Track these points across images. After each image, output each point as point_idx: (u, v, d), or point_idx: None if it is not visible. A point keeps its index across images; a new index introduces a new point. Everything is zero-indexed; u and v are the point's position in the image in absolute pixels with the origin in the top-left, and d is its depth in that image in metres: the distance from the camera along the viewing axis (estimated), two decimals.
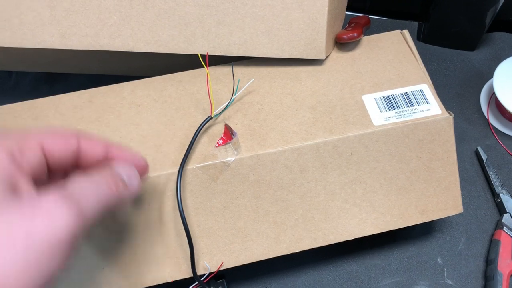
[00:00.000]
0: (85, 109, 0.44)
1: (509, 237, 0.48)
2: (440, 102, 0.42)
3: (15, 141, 0.26)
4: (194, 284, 0.41)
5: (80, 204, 0.25)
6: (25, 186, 0.25)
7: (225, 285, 0.45)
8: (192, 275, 0.40)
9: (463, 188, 0.52)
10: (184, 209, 0.40)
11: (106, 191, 0.28)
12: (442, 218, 0.51)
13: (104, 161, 0.31)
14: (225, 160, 0.40)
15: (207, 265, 0.41)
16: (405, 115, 0.42)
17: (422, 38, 0.62)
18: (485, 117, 0.57)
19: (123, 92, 0.45)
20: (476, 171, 0.54)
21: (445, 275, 0.48)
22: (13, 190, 0.24)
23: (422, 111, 0.42)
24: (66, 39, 0.45)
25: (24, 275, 0.22)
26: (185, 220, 0.38)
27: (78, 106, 0.45)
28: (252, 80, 0.44)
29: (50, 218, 0.23)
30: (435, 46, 0.62)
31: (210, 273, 0.41)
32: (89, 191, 0.27)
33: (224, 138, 0.41)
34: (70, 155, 0.29)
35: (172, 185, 0.39)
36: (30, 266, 0.22)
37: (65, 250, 0.24)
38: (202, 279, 0.41)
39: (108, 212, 0.28)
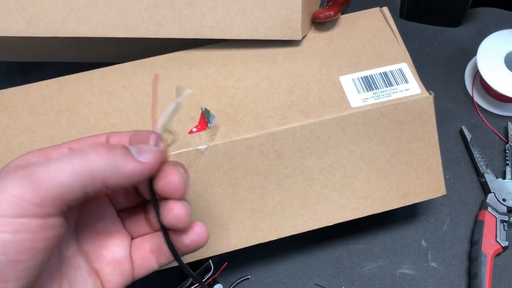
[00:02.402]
0: (54, 98, 0.43)
1: (493, 217, 0.47)
2: (420, 82, 0.41)
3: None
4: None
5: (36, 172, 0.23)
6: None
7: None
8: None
9: (447, 169, 0.51)
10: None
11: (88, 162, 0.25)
12: (426, 200, 0.50)
13: None
14: (199, 147, 0.39)
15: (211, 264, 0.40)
16: (383, 96, 0.40)
17: (405, 15, 0.61)
18: (469, 95, 0.56)
19: (92, 80, 0.44)
20: (460, 151, 0.53)
21: (429, 257, 0.47)
22: None
23: (401, 91, 0.40)
24: (32, 26, 0.43)
25: None
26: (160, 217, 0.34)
27: (47, 96, 0.43)
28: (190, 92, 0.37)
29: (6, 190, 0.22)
30: (418, 24, 0.60)
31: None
32: (60, 164, 0.24)
33: (199, 126, 0.40)
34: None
35: None
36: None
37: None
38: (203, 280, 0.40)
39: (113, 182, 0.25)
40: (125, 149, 0.27)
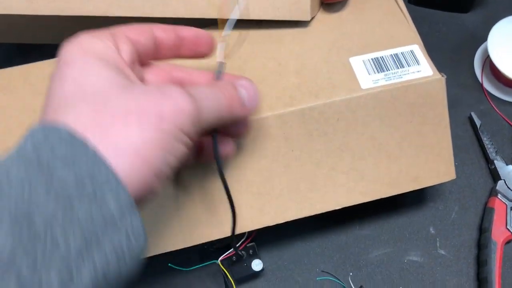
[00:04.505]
0: None
1: (503, 204, 0.46)
2: (431, 63, 0.40)
3: (109, 35, 0.27)
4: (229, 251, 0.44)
5: (199, 102, 0.26)
6: (132, 75, 0.26)
7: (255, 249, 0.45)
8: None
9: (456, 156, 0.50)
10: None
11: (224, 102, 0.28)
12: (434, 187, 0.49)
13: (178, 43, 0.31)
14: None
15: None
16: (394, 77, 0.39)
17: (414, 0, 0.59)
18: (479, 81, 0.55)
19: None
20: (469, 137, 0.52)
21: (438, 245, 0.47)
22: (127, 76, 0.25)
23: (413, 72, 0.39)
24: (34, 4, 0.42)
25: (158, 153, 0.23)
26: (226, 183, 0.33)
27: (48, 75, 0.42)
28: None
29: (177, 105, 0.24)
30: (427, 9, 0.59)
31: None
32: (209, 96, 0.27)
33: None
34: (151, 43, 0.29)
35: None
36: (163, 146, 0.23)
37: (186, 140, 0.25)
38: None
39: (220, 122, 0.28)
40: (239, 95, 0.29)
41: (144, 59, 0.30)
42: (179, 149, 0.25)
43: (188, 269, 0.44)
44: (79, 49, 0.25)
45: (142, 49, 0.29)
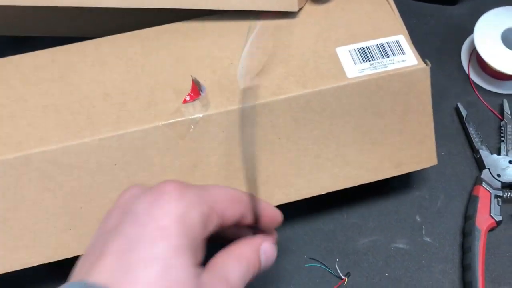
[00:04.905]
0: (47, 68, 0.42)
1: (488, 192, 0.47)
2: (416, 53, 0.41)
3: (207, 203, 0.27)
4: None
5: (230, 283, 0.27)
6: (200, 255, 0.27)
7: None
8: None
9: (442, 145, 0.51)
10: (151, 169, 0.38)
11: (250, 270, 0.29)
12: (421, 175, 0.50)
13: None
14: (192, 116, 0.38)
15: None
16: (380, 67, 0.40)
17: None
18: (465, 73, 0.56)
19: (86, 50, 0.43)
20: (456, 127, 0.53)
21: (424, 232, 0.47)
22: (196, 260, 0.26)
23: (398, 62, 0.40)
24: None
25: None
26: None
27: (40, 65, 0.43)
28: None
29: None
30: (415, 1, 0.60)
31: None
32: (236, 269, 0.28)
33: (192, 94, 0.39)
34: (237, 219, 0.30)
35: (137, 143, 0.38)
36: None
37: None
38: None
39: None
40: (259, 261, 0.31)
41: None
42: None
43: None
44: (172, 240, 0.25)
45: (225, 223, 0.29)
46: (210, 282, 0.26)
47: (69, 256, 0.39)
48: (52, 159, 0.37)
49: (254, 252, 0.30)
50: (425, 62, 0.40)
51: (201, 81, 0.40)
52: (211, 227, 0.27)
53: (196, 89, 0.39)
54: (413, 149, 0.41)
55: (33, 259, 0.38)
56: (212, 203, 0.28)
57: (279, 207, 0.40)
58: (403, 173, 0.41)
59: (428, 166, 0.42)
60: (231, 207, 0.29)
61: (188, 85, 0.40)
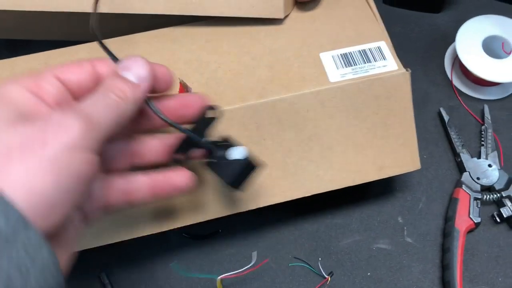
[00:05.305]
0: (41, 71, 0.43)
1: (467, 195, 0.48)
2: (397, 59, 0.42)
3: (31, 79, 0.27)
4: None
5: (90, 115, 0.26)
6: (47, 112, 0.26)
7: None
8: None
9: (424, 149, 0.53)
10: None
11: (114, 97, 0.28)
12: (403, 178, 0.51)
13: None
14: None
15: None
16: (361, 71, 0.41)
17: (388, 0, 0.62)
18: (449, 79, 0.57)
19: (79, 53, 0.45)
20: (438, 132, 0.54)
21: (405, 233, 0.49)
22: (27, 116, 0.25)
23: (379, 67, 0.42)
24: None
25: (49, 178, 0.23)
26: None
27: (34, 68, 0.44)
28: None
29: (61, 127, 0.24)
30: (399, 9, 0.62)
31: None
32: (98, 103, 0.27)
33: None
34: (89, 78, 0.30)
35: None
36: (54, 171, 0.23)
37: (86, 156, 0.25)
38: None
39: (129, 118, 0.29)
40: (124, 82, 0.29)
41: (84, 94, 0.29)
42: (78, 168, 0.25)
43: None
44: None
45: (75, 85, 0.29)
46: (60, 117, 0.25)
47: None
48: None
49: (111, 77, 0.29)
50: (405, 68, 0.42)
51: (189, 84, 0.41)
52: (47, 92, 0.27)
53: (184, 91, 0.41)
54: (396, 152, 0.43)
55: None
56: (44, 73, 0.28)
57: (265, 208, 0.41)
58: (386, 176, 0.43)
59: (411, 170, 0.43)
60: (71, 71, 0.29)
61: (176, 88, 0.41)
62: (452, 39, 0.59)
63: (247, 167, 0.34)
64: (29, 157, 0.23)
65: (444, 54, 0.59)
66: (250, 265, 0.42)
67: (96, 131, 0.26)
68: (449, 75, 0.57)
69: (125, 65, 0.30)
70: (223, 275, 0.42)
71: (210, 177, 0.40)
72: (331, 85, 0.41)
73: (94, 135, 0.26)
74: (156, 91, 0.32)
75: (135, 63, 0.30)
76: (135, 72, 0.30)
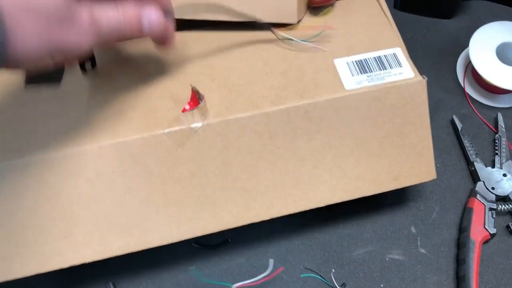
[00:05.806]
0: None
1: (482, 205, 0.47)
2: (413, 66, 0.41)
3: None
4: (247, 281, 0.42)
5: (97, 22, 0.29)
6: None
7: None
8: None
9: (437, 157, 0.52)
10: (149, 177, 0.39)
11: (127, 26, 0.31)
12: (416, 187, 0.50)
13: None
14: (192, 125, 0.38)
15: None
16: (377, 79, 0.40)
17: (399, 6, 0.61)
18: (461, 86, 0.56)
19: None
20: (451, 140, 0.53)
21: (419, 243, 0.48)
22: None
23: (395, 74, 0.41)
24: None
25: None
26: None
27: None
28: None
29: None
30: (411, 15, 0.61)
31: None
32: (110, 15, 0.30)
33: (191, 103, 0.40)
34: None
35: (136, 151, 0.38)
36: None
37: None
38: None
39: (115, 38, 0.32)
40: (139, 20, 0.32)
41: None
42: None
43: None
44: None
45: None
46: (78, 10, 0.28)
47: (63, 267, 0.38)
48: (51, 166, 0.37)
49: (135, 10, 0.32)
50: (421, 76, 0.41)
51: (200, 90, 0.40)
52: None
53: (196, 98, 0.40)
54: (411, 162, 0.42)
55: (26, 268, 0.38)
56: None
57: (276, 221, 0.40)
58: (402, 186, 0.42)
59: (426, 180, 0.42)
60: None
61: (188, 94, 0.40)
62: (464, 46, 0.58)
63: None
64: None
65: (456, 60, 0.58)
66: (266, 273, 0.41)
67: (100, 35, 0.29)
68: (461, 82, 0.57)
69: (149, 13, 0.33)
70: (238, 283, 0.41)
71: (223, 188, 0.39)
72: (347, 93, 0.40)
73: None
74: None
75: (157, 20, 0.33)
76: (152, 22, 0.33)
